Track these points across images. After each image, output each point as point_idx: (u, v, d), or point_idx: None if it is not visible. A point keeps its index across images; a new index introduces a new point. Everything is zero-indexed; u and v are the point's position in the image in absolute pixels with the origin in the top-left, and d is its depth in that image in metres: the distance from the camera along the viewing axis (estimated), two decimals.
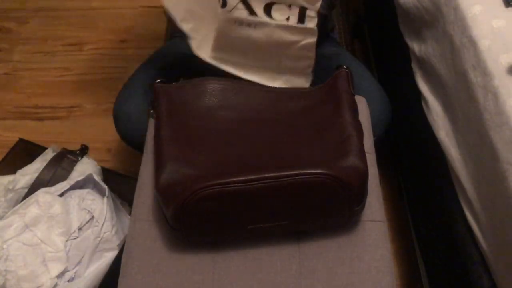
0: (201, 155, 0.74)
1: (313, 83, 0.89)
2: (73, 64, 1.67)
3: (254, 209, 0.68)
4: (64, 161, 1.03)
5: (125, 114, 0.98)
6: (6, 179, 1.03)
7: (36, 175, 1.00)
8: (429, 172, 0.97)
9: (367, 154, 0.75)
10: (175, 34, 1.11)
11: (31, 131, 1.50)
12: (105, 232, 0.94)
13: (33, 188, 0.97)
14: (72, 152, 1.06)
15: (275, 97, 0.85)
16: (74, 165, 1.04)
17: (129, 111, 0.98)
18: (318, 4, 0.84)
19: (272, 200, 0.68)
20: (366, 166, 0.72)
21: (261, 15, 0.83)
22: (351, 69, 0.85)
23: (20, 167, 1.04)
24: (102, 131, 1.47)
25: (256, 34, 0.85)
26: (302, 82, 0.92)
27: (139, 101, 0.98)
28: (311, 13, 0.84)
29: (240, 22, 0.84)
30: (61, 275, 0.88)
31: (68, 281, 0.89)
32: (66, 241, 0.90)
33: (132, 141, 1.02)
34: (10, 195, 1.00)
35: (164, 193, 0.70)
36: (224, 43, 0.88)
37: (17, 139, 1.17)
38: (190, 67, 1.02)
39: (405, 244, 1.20)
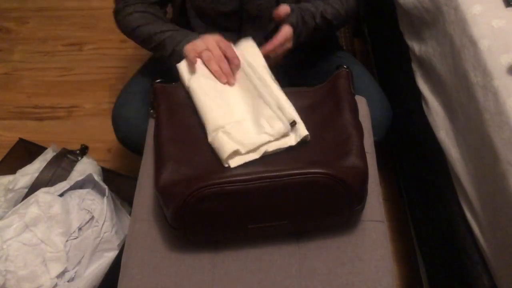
0: (201, 154, 0.74)
1: (313, 83, 0.88)
2: (73, 64, 1.68)
3: (254, 209, 0.68)
4: (64, 161, 1.03)
5: (124, 120, 0.98)
6: (6, 179, 1.03)
7: (36, 175, 1.00)
8: (429, 172, 0.97)
9: (367, 154, 0.75)
10: None
11: (31, 131, 1.50)
12: (105, 232, 0.94)
13: (33, 188, 0.97)
14: (72, 152, 1.06)
15: None
16: (74, 165, 1.04)
17: (128, 117, 0.98)
18: None
19: (272, 199, 0.68)
20: (366, 166, 0.72)
21: None
22: (352, 71, 0.85)
23: (20, 167, 1.04)
24: (102, 131, 1.47)
25: None
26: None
27: (138, 106, 0.98)
28: None
29: None
30: (61, 275, 0.88)
31: (68, 281, 0.89)
32: (66, 241, 0.90)
33: (131, 146, 1.03)
34: (10, 195, 1.00)
35: (164, 193, 0.70)
36: None
37: (17, 139, 1.17)
38: None
39: (405, 244, 1.20)
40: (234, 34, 0.93)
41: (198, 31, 0.95)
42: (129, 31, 0.92)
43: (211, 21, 0.94)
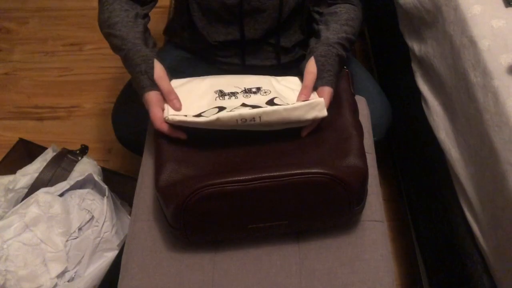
0: (201, 155, 0.74)
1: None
2: (73, 64, 1.67)
3: (254, 209, 0.68)
4: (64, 161, 1.03)
5: (124, 120, 0.98)
6: (6, 179, 1.03)
7: (36, 175, 1.00)
8: (429, 172, 0.97)
9: (367, 154, 0.75)
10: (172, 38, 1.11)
11: (31, 131, 1.50)
12: (105, 232, 0.94)
13: (33, 188, 0.97)
14: (72, 152, 1.06)
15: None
16: (74, 165, 1.04)
17: (128, 117, 0.98)
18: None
19: (272, 199, 0.68)
20: (366, 166, 0.72)
21: None
22: (352, 72, 0.85)
23: (20, 167, 1.04)
24: (102, 131, 1.47)
25: None
26: None
27: (138, 106, 0.98)
28: None
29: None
30: (61, 275, 0.88)
31: (68, 281, 0.89)
32: (66, 241, 0.90)
33: (131, 146, 1.02)
34: (10, 195, 1.00)
35: (164, 193, 0.70)
36: None
37: (17, 139, 1.17)
38: (187, 72, 1.02)
39: (405, 244, 1.20)
40: (236, 27, 0.93)
41: (199, 25, 0.95)
42: (106, 27, 0.85)
43: (213, 14, 0.94)
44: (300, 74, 0.85)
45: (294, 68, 1.03)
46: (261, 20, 0.92)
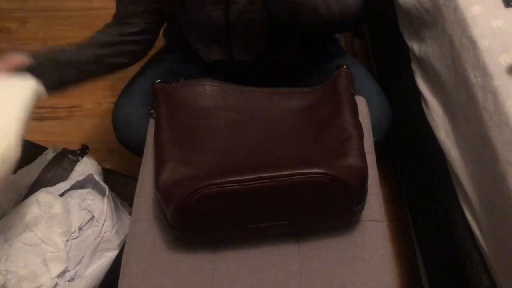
0: (201, 155, 0.74)
1: (313, 84, 0.89)
2: None
3: (254, 209, 0.68)
4: (64, 161, 1.03)
5: (124, 120, 0.98)
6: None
7: (36, 175, 1.00)
8: (429, 172, 0.97)
9: (367, 154, 0.75)
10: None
11: (31, 131, 1.47)
12: (105, 232, 0.94)
13: (34, 188, 0.98)
14: (72, 152, 1.06)
15: (275, 98, 0.85)
16: (75, 165, 1.04)
17: (128, 117, 0.98)
18: None
19: (272, 199, 0.68)
20: (366, 166, 0.72)
21: None
22: (352, 72, 0.85)
23: (20, 167, 1.04)
24: (102, 131, 1.47)
25: None
26: None
27: (138, 106, 0.98)
28: None
29: None
30: (61, 275, 0.88)
31: (69, 281, 0.89)
32: (67, 241, 0.90)
33: (131, 146, 1.03)
34: (10, 195, 1.00)
35: (165, 193, 0.70)
36: None
37: None
38: (189, 73, 1.02)
39: (405, 244, 1.20)
40: (224, 48, 0.92)
41: (194, 47, 0.94)
42: None
43: (203, 34, 0.92)
44: None
45: (294, 70, 1.03)
46: (249, 41, 0.90)
